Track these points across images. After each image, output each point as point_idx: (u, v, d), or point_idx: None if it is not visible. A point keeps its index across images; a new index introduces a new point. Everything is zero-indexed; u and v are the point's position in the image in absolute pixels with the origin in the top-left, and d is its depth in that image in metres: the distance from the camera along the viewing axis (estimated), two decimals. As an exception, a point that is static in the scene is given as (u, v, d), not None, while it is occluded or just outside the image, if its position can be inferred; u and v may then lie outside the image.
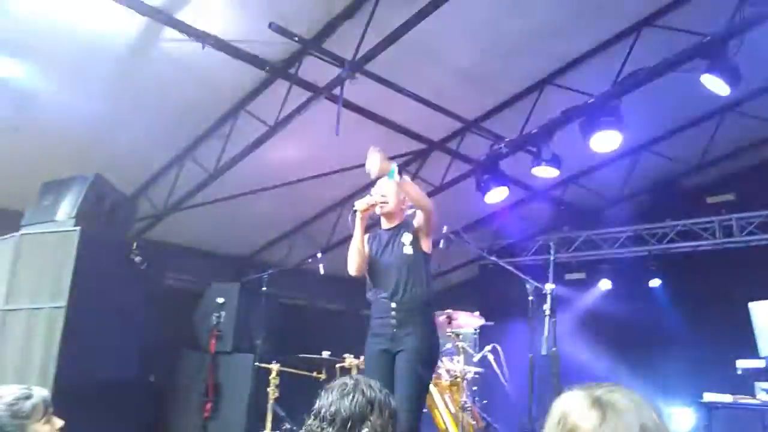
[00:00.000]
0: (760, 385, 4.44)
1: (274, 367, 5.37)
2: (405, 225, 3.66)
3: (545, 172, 6.28)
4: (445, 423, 5.08)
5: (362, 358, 4.28)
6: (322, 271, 5.39)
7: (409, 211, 3.69)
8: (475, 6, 5.01)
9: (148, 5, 4.38)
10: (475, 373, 5.60)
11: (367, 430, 1.85)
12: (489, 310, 6.96)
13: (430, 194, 6.48)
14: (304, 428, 1.94)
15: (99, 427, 4.29)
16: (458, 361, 5.43)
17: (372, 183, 3.84)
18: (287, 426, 5.23)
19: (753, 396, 4.46)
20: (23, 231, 4.87)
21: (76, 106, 5.05)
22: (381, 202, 3.61)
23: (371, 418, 1.87)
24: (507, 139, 6.44)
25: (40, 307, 4.50)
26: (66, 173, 5.10)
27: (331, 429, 1.85)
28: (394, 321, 3.44)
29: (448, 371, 5.39)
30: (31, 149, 5.46)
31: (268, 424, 5.23)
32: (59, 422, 2.32)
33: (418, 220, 3.60)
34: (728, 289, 6.72)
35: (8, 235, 4.86)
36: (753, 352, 4.58)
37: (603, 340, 7.87)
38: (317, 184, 6.78)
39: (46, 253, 4.67)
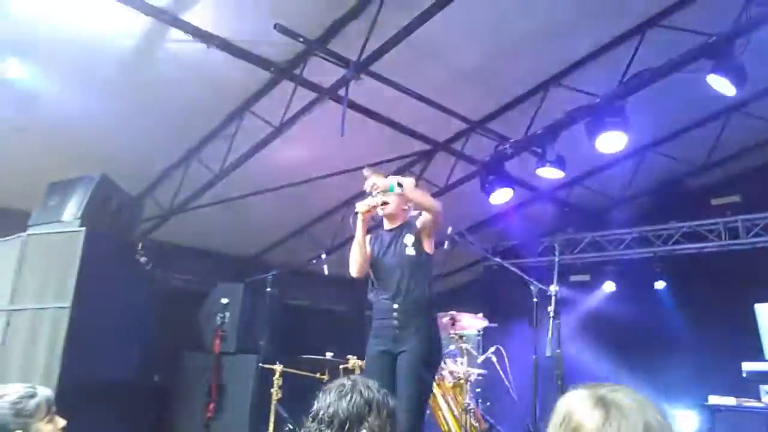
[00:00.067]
0: (765, 388, 4.41)
1: (278, 367, 5.38)
2: (407, 226, 3.64)
3: (550, 173, 6.27)
4: (448, 425, 5.08)
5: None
6: (326, 272, 5.40)
7: (414, 212, 3.67)
8: (480, 6, 5.01)
9: (153, 6, 4.39)
10: (479, 374, 5.58)
11: (365, 431, 1.84)
12: (493, 311, 6.96)
13: (434, 195, 6.48)
14: (303, 430, 1.94)
15: (102, 427, 4.30)
16: (462, 363, 5.42)
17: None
18: (290, 427, 5.23)
19: (758, 399, 4.43)
20: (29, 231, 4.89)
21: (82, 106, 5.07)
22: (382, 204, 3.60)
23: (369, 419, 1.86)
24: (512, 140, 6.44)
25: (45, 307, 4.52)
26: (72, 174, 5.12)
27: (329, 431, 1.85)
28: (395, 322, 3.43)
29: (451, 373, 5.38)
30: (37, 150, 5.48)
31: (271, 425, 5.23)
32: (62, 422, 2.32)
33: (424, 220, 3.57)
34: (734, 291, 6.69)
35: (14, 235, 4.88)
36: (759, 354, 4.56)
37: (607, 342, 7.84)
38: (322, 185, 6.79)
39: (51, 253, 4.69)
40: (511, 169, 6.70)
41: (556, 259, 4.74)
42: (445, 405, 5.14)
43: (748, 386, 4.60)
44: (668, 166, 7.62)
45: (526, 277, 4.52)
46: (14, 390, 2.25)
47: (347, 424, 1.84)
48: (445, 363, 5.47)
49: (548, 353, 4.14)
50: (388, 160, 6.58)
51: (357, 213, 3.54)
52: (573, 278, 8.72)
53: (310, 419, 1.92)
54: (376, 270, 3.59)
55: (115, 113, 5.34)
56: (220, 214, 6.93)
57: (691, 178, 7.91)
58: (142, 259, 5.12)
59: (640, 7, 5.38)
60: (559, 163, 6.17)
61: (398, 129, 6.25)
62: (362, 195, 3.75)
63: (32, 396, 2.25)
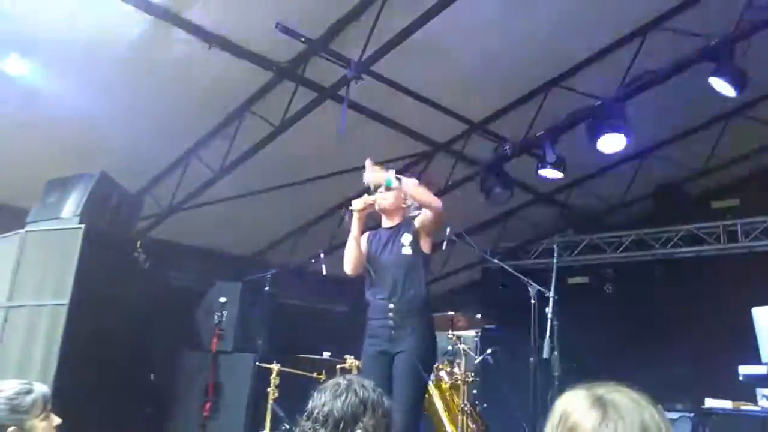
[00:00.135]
0: (761, 391, 4.41)
1: (275, 367, 5.37)
2: (405, 224, 3.61)
3: (550, 175, 6.27)
4: (444, 426, 5.08)
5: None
6: (324, 272, 5.39)
7: (415, 212, 3.64)
8: (481, 7, 5.01)
9: (155, 5, 4.40)
10: (476, 376, 5.58)
11: (360, 430, 1.84)
12: (491, 313, 6.96)
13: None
14: (297, 429, 1.94)
15: (99, 425, 4.30)
16: (459, 364, 5.42)
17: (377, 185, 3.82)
18: (286, 426, 5.23)
19: (755, 403, 4.43)
20: (28, 228, 4.88)
21: (82, 104, 5.06)
22: (378, 201, 3.58)
23: (364, 419, 1.85)
24: (512, 142, 6.44)
25: (43, 304, 4.51)
26: (71, 171, 5.12)
27: (323, 430, 1.84)
28: (391, 322, 3.41)
29: (449, 374, 5.38)
30: (36, 147, 5.48)
31: (268, 424, 5.23)
32: (57, 419, 2.31)
33: (423, 219, 3.53)
34: (732, 295, 6.70)
35: (13, 232, 4.87)
36: (756, 358, 4.56)
37: (605, 345, 7.84)
38: (322, 185, 6.79)
39: (50, 250, 4.68)
40: (511, 171, 6.71)
41: (555, 261, 4.74)
42: (442, 406, 5.14)
43: (744, 390, 4.60)
44: (668, 169, 7.62)
45: (524, 279, 4.51)
46: (10, 386, 2.24)
47: (342, 424, 1.84)
48: (443, 363, 5.48)
49: (546, 355, 4.15)
50: (388, 161, 6.57)
51: (352, 210, 3.53)
52: (571, 280, 8.71)
53: (305, 418, 1.91)
54: (373, 268, 3.57)
55: (115, 111, 5.33)
56: (219, 213, 6.92)
57: (690, 182, 7.91)
58: (141, 257, 5.12)
59: (641, 10, 5.39)
60: (559, 164, 6.18)
61: (398, 129, 6.25)
62: (361, 195, 3.75)
63: (29, 392, 2.24)
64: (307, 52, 5.12)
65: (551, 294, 4.31)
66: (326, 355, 5.52)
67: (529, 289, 4.42)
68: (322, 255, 5.62)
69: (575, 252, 8.77)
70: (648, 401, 1.23)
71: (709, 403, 4.54)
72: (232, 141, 5.96)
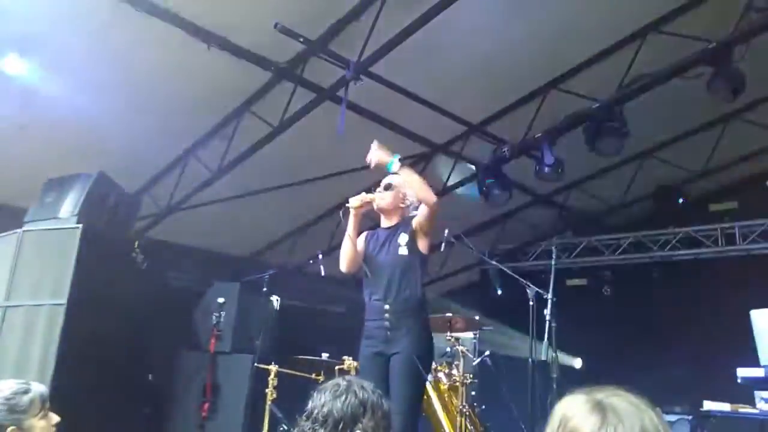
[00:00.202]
0: (760, 394, 4.42)
1: (273, 368, 5.36)
2: (403, 225, 3.59)
3: (548, 177, 6.28)
4: (443, 427, 5.07)
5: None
6: (322, 273, 5.38)
7: (413, 213, 3.62)
8: (480, 9, 5.01)
9: (155, 5, 4.39)
10: (474, 377, 5.58)
11: (359, 431, 1.84)
12: (489, 314, 6.96)
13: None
14: (296, 429, 1.94)
15: (97, 425, 4.29)
16: (457, 366, 5.42)
17: (376, 185, 3.81)
18: (284, 427, 5.21)
19: (753, 405, 4.44)
20: (26, 227, 4.87)
21: (81, 104, 5.05)
22: (377, 201, 3.57)
23: (363, 420, 1.86)
24: (511, 143, 6.45)
25: (40, 303, 4.50)
26: (70, 171, 5.11)
27: (323, 430, 1.85)
28: (387, 323, 3.40)
29: (447, 375, 5.37)
30: (35, 147, 5.46)
31: (266, 425, 5.22)
32: (55, 418, 2.31)
33: (420, 219, 3.50)
34: (729, 297, 6.71)
35: (10, 232, 4.86)
36: (754, 360, 4.56)
37: (603, 347, 7.85)
38: (320, 186, 6.79)
39: (47, 250, 4.67)
40: (510, 172, 6.71)
41: (553, 263, 4.75)
42: (440, 407, 5.14)
43: (742, 392, 4.61)
44: (666, 172, 7.63)
45: (522, 281, 4.51)
46: (7, 386, 2.24)
47: (341, 424, 1.84)
48: (441, 365, 5.47)
49: (544, 356, 4.15)
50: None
51: (349, 208, 3.53)
52: (570, 282, 8.73)
53: (304, 418, 1.92)
54: (369, 268, 3.56)
55: (113, 110, 5.32)
56: (217, 213, 6.91)
57: (688, 184, 7.92)
58: (139, 258, 5.11)
59: (640, 13, 5.40)
60: (557, 166, 6.18)
61: (397, 130, 6.25)
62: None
63: (26, 392, 2.24)
64: (306, 53, 5.12)
65: (549, 296, 4.32)
66: (324, 356, 5.51)
67: (528, 291, 4.42)
68: (320, 256, 5.60)
69: (573, 254, 8.78)
70: (647, 405, 1.23)
71: (708, 405, 4.54)
72: (231, 141, 5.95)
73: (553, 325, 4.24)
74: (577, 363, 8.39)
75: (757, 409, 4.37)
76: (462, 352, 5.49)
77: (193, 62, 5.01)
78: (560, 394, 1.35)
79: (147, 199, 6.55)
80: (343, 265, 3.55)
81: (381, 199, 3.60)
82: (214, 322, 5.82)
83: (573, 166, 6.57)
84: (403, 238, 3.52)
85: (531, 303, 4.38)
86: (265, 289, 5.86)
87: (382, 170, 3.56)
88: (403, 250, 3.49)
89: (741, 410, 4.38)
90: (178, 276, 7.06)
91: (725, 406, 4.42)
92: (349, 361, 5.17)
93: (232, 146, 5.98)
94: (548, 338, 4.20)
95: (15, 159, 5.53)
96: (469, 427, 5.10)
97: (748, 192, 8.04)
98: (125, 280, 4.93)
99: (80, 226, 4.66)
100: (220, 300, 5.89)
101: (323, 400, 1.90)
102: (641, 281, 8.33)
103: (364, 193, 3.61)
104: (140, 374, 5.21)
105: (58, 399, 2.46)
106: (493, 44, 5.43)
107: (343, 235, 3.59)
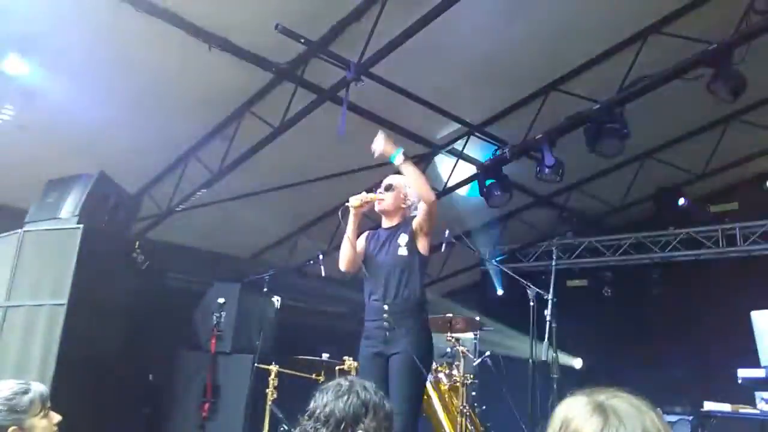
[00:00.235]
0: (760, 394, 4.42)
1: (273, 368, 5.36)
2: (404, 225, 3.60)
3: (548, 178, 6.27)
4: (443, 428, 5.07)
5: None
6: (323, 273, 5.38)
7: (414, 213, 3.62)
8: (481, 10, 5.01)
9: (156, 5, 4.39)
10: (475, 377, 5.58)
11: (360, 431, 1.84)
12: (490, 315, 6.96)
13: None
14: (298, 428, 1.94)
15: (97, 425, 4.29)
16: (458, 366, 5.42)
17: (376, 185, 3.82)
18: (284, 428, 5.21)
19: (753, 406, 4.44)
20: (26, 228, 4.88)
21: (82, 104, 5.05)
22: (377, 200, 3.57)
23: (365, 420, 1.86)
24: (511, 144, 6.45)
25: (41, 303, 4.51)
26: (70, 171, 5.11)
27: (324, 430, 1.85)
28: (386, 324, 3.39)
29: (447, 376, 5.37)
30: (36, 147, 5.47)
31: (266, 426, 5.22)
32: (57, 417, 2.31)
33: (420, 219, 3.51)
34: (730, 298, 6.71)
35: (11, 232, 4.86)
36: (754, 361, 4.57)
37: (603, 347, 7.85)
38: (321, 187, 6.79)
39: (48, 250, 4.68)
40: (510, 173, 6.71)
41: (554, 264, 4.76)
42: (441, 408, 5.14)
43: (743, 393, 4.61)
44: (667, 173, 7.63)
45: (523, 282, 4.52)
46: (8, 386, 2.23)
47: (343, 424, 1.85)
48: (441, 365, 5.47)
49: (544, 357, 4.15)
50: (387, 163, 6.57)
51: (348, 207, 3.52)
52: (570, 283, 8.73)
53: (306, 417, 1.92)
54: (370, 269, 3.56)
55: (114, 111, 5.32)
56: (218, 214, 6.92)
57: (689, 185, 7.92)
58: (139, 258, 5.11)
59: (640, 14, 5.40)
60: (558, 168, 6.18)
61: (397, 131, 6.24)
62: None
63: (26, 392, 2.23)
64: (307, 54, 5.11)
65: (550, 296, 4.32)
66: (325, 356, 5.51)
67: (528, 291, 4.42)
68: (320, 256, 5.61)
69: (574, 255, 8.78)
70: (648, 406, 1.23)
71: (708, 406, 4.55)
72: (231, 142, 5.95)
73: (554, 325, 4.24)
74: (578, 363, 8.37)
75: (757, 409, 4.37)
76: (462, 352, 5.49)
77: (193, 63, 5.01)
78: (560, 395, 1.35)
79: (148, 199, 6.56)
80: (342, 265, 3.56)
81: (382, 199, 3.61)
82: (215, 322, 5.83)
83: (573, 167, 6.57)
84: (403, 239, 3.52)
85: (531, 303, 4.38)
86: (265, 289, 5.87)
87: (382, 171, 3.56)
88: (403, 251, 3.50)
89: (741, 411, 4.38)
90: (178, 276, 7.06)
91: (726, 407, 4.42)
92: (349, 362, 5.17)
93: (233, 147, 5.98)
94: (549, 339, 4.20)
95: (16, 159, 5.53)
96: (470, 428, 5.10)
97: (749, 193, 8.04)
98: (126, 280, 4.93)
99: (81, 226, 4.66)
100: (221, 300, 5.89)
101: (325, 400, 1.90)
102: (642, 282, 8.33)
103: (364, 193, 3.61)
104: (140, 374, 5.21)
105: (58, 399, 2.46)
106: (493, 45, 5.42)
107: (344, 235, 3.59)
